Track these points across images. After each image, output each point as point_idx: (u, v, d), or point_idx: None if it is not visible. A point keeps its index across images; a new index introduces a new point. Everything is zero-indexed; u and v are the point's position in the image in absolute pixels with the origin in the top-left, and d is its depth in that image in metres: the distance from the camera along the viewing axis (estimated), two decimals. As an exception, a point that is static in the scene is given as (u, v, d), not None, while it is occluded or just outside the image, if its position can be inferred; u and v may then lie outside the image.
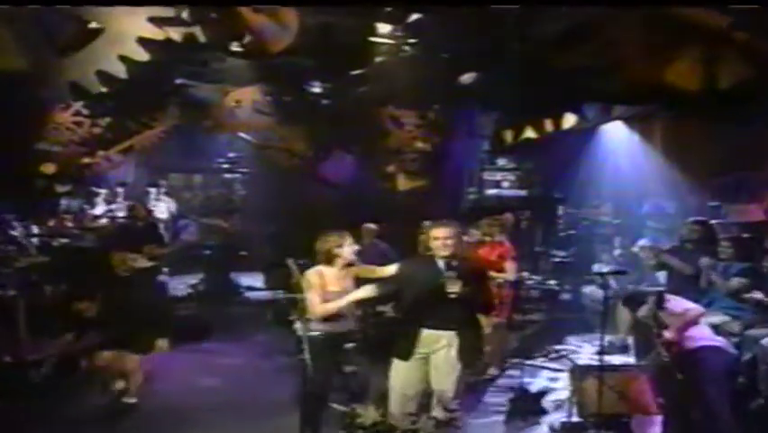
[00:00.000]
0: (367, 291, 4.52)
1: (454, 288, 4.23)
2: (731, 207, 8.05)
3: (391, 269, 4.79)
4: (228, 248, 10.12)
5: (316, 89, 9.19)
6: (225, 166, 11.27)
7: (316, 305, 4.50)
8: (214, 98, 9.21)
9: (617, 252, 10.20)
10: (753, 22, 5.17)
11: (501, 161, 9.61)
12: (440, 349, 4.38)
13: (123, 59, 6.34)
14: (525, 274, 7.34)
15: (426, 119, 9.45)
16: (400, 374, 4.44)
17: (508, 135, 8.59)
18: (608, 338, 7.45)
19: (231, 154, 11.14)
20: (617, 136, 10.16)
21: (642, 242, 9.90)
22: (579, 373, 5.82)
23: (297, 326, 4.53)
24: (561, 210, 9.67)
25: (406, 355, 4.42)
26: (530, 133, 8.31)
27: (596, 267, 10.15)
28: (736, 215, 7.98)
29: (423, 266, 4.52)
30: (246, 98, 9.17)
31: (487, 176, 9.61)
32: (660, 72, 5.26)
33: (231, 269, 10.10)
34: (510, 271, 6.51)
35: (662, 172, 9.46)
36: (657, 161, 9.57)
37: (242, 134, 10.33)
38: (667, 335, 5.30)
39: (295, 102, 9.11)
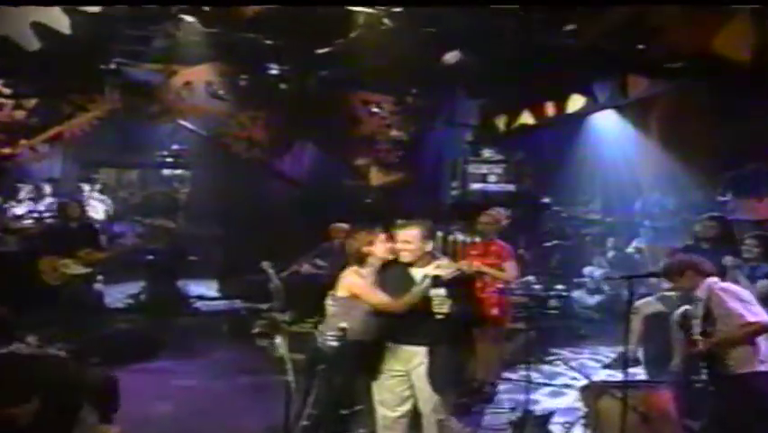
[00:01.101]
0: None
1: (443, 307, 3.96)
2: (741, 202, 7.92)
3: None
4: (175, 252, 9.77)
5: (279, 70, 8.92)
6: (168, 160, 10.91)
7: (384, 298, 4.11)
8: (159, 79, 8.84)
9: (610, 253, 10.16)
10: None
11: (487, 153, 9.38)
12: (416, 368, 4.18)
13: (44, 28, 5.76)
14: (532, 278, 7.10)
15: (403, 104, 9.33)
16: (381, 394, 4.28)
17: (501, 122, 8.34)
18: (614, 350, 7.62)
19: (174, 146, 10.80)
20: (607, 125, 10.06)
21: (637, 242, 10.01)
22: (593, 390, 5.48)
23: (278, 342, 4.24)
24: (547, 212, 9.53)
25: (373, 374, 4.25)
26: (527, 119, 8.07)
27: (587, 270, 10.09)
28: (746, 211, 7.82)
29: (393, 273, 4.25)
30: (197, 79, 8.80)
31: (471, 169, 9.36)
32: (706, 39, 4.96)
33: (178, 276, 9.78)
34: (511, 274, 6.19)
35: (659, 165, 9.39)
36: (654, 152, 9.48)
37: (186, 123, 10.02)
38: (701, 346, 4.88)
39: (255, 84, 8.85)
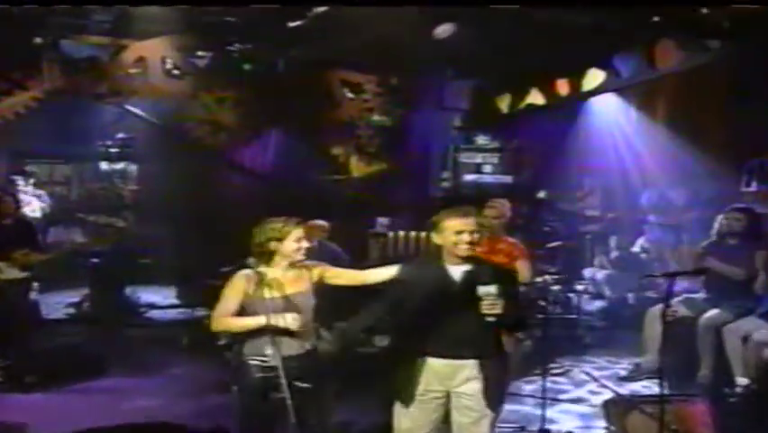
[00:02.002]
0: (290, 321, 3.91)
1: (494, 309, 3.64)
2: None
3: (386, 272, 4.12)
4: (123, 255, 9.48)
5: (242, 47, 8.68)
6: (113, 151, 10.52)
7: (216, 315, 3.97)
8: (106, 55, 8.53)
9: (613, 254, 10.03)
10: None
11: (481, 140, 9.19)
12: (462, 385, 3.84)
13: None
14: (549, 279, 6.87)
15: (388, 86, 9.17)
16: (406, 424, 3.90)
17: (504, 103, 8.09)
18: (624, 361, 7.44)
19: (120, 135, 10.45)
20: (608, 110, 9.92)
21: (642, 240, 9.85)
22: (620, 406, 5.26)
23: (269, 352, 3.82)
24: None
25: (407, 397, 3.86)
26: (536, 98, 7.82)
27: (588, 273, 9.92)
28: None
29: (428, 274, 3.92)
30: (152, 55, 8.46)
31: (463, 158, 9.16)
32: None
33: (127, 282, 9.57)
34: (525, 275, 5.89)
35: (666, 154, 9.26)
36: (660, 139, 9.37)
37: (134, 109, 9.82)
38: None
39: (218, 62, 8.59)
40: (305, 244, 4.09)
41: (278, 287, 3.93)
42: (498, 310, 3.62)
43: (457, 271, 3.83)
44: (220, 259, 8.77)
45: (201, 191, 10.39)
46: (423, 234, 7.70)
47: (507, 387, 4.14)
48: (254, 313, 3.94)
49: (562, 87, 7.77)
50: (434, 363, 3.81)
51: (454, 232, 3.80)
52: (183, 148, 9.72)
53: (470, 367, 3.79)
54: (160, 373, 7.15)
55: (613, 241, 10.01)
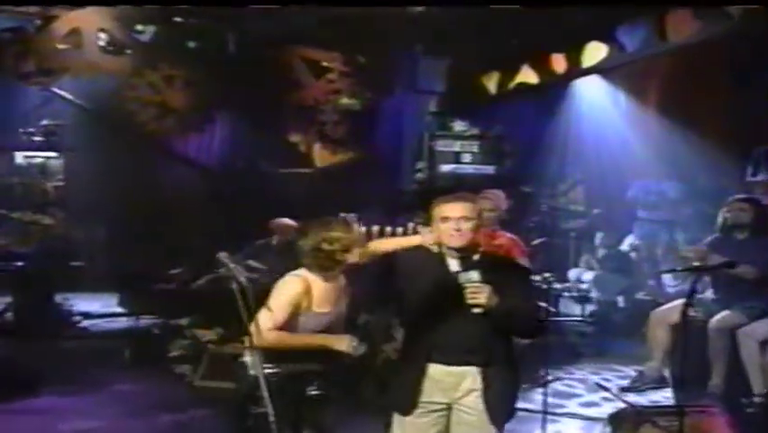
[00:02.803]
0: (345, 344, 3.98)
1: (478, 297, 3.48)
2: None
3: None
4: (52, 257, 9.26)
5: (192, 19, 8.54)
6: (36, 139, 10.23)
7: (269, 327, 3.81)
8: (32, 27, 8.32)
9: (600, 252, 10.00)
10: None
11: (459, 126, 9.01)
12: (464, 396, 3.71)
13: None
14: (551, 276, 6.94)
15: (356, 65, 9.02)
16: None
17: (492, 82, 8.03)
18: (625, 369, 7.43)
19: (44, 122, 10.14)
20: (592, 95, 9.89)
21: (632, 238, 9.84)
22: (629, 419, 5.07)
23: (247, 360, 3.72)
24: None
25: (407, 407, 3.73)
26: (529, 77, 7.76)
27: (574, 273, 9.88)
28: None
29: (426, 265, 3.78)
30: (87, 27, 8.20)
31: (440, 146, 8.95)
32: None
33: (57, 287, 9.24)
34: None
35: (657, 142, 9.25)
36: (651, 126, 9.36)
37: (62, 92, 9.59)
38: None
39: (165, 34, 8.41)
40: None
41: (327, 299, 3.98)
42: (482, 300, 3.46)
43: (455, 264, 3.68)
44: (166, 260, 8.92)
45: (142, 185, 10.30)
46: (396, 230, 7.44)
47: (515, 401, 3.91)
48: (303, 328, 3.94)
49: (558, 62, 7.65)
50: (435, 371, 3.68)
51: (440, 219, 3.69)
52: (123, 135, 9.58)
53: (474, 376, 3.67)
54: (100, 391, 6.93)
55: (599, 238, 9.98)
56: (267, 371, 3.59)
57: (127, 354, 7.71)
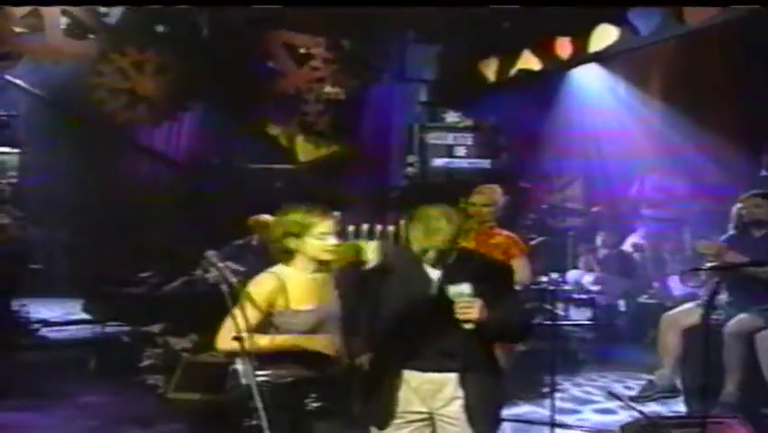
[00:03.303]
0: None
1: (469, 313, 3.47)
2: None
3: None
4: (9, 259, 8.96)
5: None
6: None
7: (237, 331, 3.57)
8: None
9: (601, 252, 9.99)
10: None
11: (452, 117, 8.97)
12: (445, 405, 3.67)
13: None
14: (557, 276, 7.00)
15: (341, 51, 8.89)
16: None
17: (490, 70, 7.95)
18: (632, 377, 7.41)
19: None
20: (592, 84, 9.86)
21: (636, 237, 9.79)
22: (641, 431, 5.09)
23: (239, 368, 3.58)
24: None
25: (382, 419, 3.69)
26: (530, 63, 7.74)
27: (572, 276, 9.84)
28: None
29: (404, 264, 3.75)
30: (48, 8, 7.99)
31: (432, 139, 8.88)
32: None
33: (14, 293, 9.06)
34: (524, 274, 5.76)
35: (662, 135, 9.25)
36: (654, 119, 9.36)
37: (16, 80, 9.48)
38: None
39: (135, 15, 8.25)
40: (332, 241, 3.85)
41: (308, 296, 3.82)
42: (474, 315, 3.44)
43: (430, 267, 3.65)
44: (135, 262, 8.96)
45: (107, 181, 10.33)
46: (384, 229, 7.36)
47: (500, 410, 3.91)
48: (286, 329, 3.80)
49: (564, 47, 7.59)
50: (412, 378, 3.65)
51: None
52: (90, 125, 9.48)
53: (454, 383, 3.64)
54: (63, 405, 6.86)
55: (600, 238, 9.97)
56: (260, 379, 3.48)
57: (92, 365, 7.63)
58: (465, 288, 3.44)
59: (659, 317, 7.94)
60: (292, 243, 3.81)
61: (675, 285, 8.91)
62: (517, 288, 5.69)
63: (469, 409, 3.59)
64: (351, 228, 7.44)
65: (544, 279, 6.94)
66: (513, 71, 8.03)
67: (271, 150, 9.56)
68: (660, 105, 9.26)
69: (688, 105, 8.73)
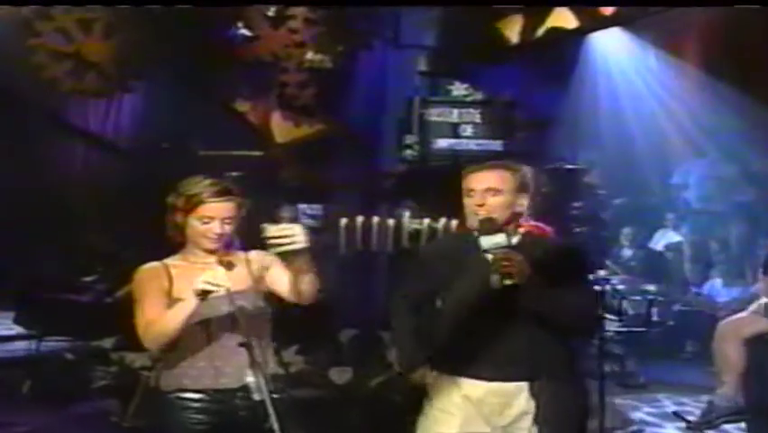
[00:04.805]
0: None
1: (510, 267, 3.46)
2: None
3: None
4: None
5: None
6: None
7: (148, 321, 3.65)
8: None
9: (626, 252, 10.13)
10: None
11: (458, 90, 8.84)
12: (514, 422, 3.69)
13: None
14: (605, 274, 6.95)
15: (325, 10, 8.85)
16: None
17: (513, 29, 7.81)
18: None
19: None
20: (617, 54, 9.99)
21: (669, 234, 9.81)
22: None
23: (250, 381, 3.47)
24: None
25: None
26: (565, 21, 7.73)
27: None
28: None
29: (458, 250, 3.85)
30: None
31: (434, 115, 8.78)
32: None
33: None
34: None
35: (701, 114, 9.38)
36: (693, 94, 9.48)
37: None
38: None
39: None
40: (218, 228, 3.66)
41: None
42: (513, 269, 3.43)
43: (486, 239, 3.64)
44: (77, 264, 8.96)
45: (39, 169, 10.08)
46: (383, 223, 7.46)
47: (580, 427, 4.07)
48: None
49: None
50: (473, 390, 3.67)
51: (465, 193, 3.75)
52: (26, 96, 9.24)
53: (526, 395, 3.66)
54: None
55: (626, 235, 10.07)
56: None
57: (26, 388, 7.53)
58: (500, 237, 3.46)
59: (701, 327, 7.97)
60: (180, 219, 3.70)
61: (718, 289, 8.96)
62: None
63: (542, 425, 3.59)
64: (343, 222, 7.54)
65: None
66: (541, 31, 7.99)
67: (237, 130, 9.50)
68: (700, 78, 9.36)
69: (735, 76, 8.81)
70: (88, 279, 8.27)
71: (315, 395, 6.36)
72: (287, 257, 3.45)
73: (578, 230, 8.01)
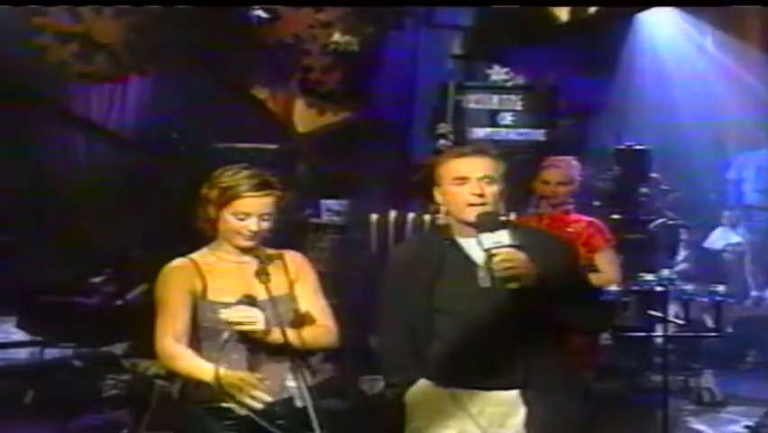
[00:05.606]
0: None
1: (511, 265, 3.44)
2: None
3: None
4: None
5: None
6: None
7: (163, 341, 3.64)
8: None
9: (681, 253, 10.13)
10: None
11: (497, 75, 8.90)
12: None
13: None
14: (652, 278, 6.81)
15: None
16: None
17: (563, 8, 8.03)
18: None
19: None
20: (669, 36, 10.09)
21: (729, 233, 9.84)
22: None
23: (291, 386, 3.63)
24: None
25: None
26: None
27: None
28: None
29: (429, 254, 3.82)
30: None
31: (471, 102, 8.87)
32: None
33: None
34: (613, 273, 5.98)
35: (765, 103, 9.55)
36: (757, 80, 9.59)
37: None
38: None
39: None
40: (254, 225, 3.64)
41: (232, 285, 3.68)
42: (516, 269, 3.40)
43: (473, 246, 3.61)
44: (83, 266, 8.98)
45: (41, 164, 10.37)
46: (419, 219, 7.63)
47: None
48: (201, 325, 3.70)
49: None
50: (471, 401, 3.67)
51: (451, 180, 3.65)
52: (30, 81, 9.29)
53: (517, 404, 3.68)
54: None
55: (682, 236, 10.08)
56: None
57: (29, 398, 7.63)
58: (503, 235, 3.41)
59: (763, 334, 7.98)
60: (212, 212, 3.67)
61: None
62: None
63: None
64: (374, 218, 7.54)
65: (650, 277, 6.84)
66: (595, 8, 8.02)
67: (255, 120, 9.54)
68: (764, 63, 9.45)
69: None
70: (96, 280, 8.30)
71: (345, 406, 6.40)
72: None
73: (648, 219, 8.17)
